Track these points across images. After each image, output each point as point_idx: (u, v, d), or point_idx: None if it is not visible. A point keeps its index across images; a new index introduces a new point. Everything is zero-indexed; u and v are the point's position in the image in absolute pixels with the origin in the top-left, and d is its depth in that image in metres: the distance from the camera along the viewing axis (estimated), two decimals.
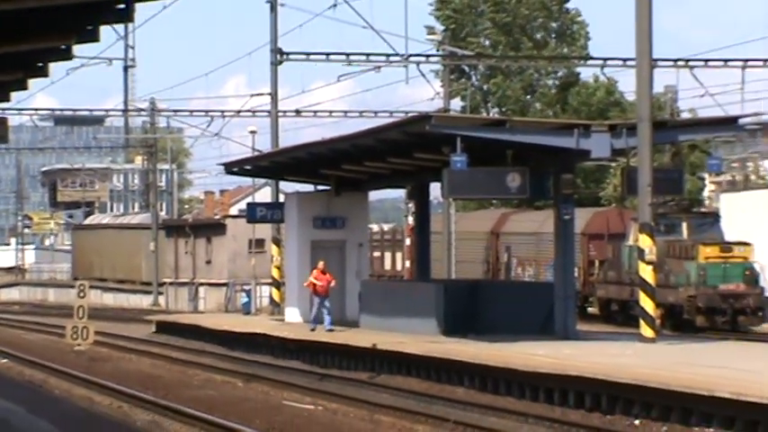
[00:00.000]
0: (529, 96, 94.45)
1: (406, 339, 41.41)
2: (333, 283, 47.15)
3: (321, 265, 48.05)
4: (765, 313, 51.81)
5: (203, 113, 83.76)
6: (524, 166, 40.23)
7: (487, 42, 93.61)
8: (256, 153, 66.83)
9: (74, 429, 23.21)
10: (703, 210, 67.92)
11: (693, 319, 49.46)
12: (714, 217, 60.18)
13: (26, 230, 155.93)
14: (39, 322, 71.92)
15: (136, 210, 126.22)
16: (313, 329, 46.27)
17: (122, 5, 18.46)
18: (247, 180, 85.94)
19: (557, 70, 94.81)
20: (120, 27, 72.24)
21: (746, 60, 61.81)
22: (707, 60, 62.51)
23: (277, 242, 61.57)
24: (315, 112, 77.86)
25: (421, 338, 41.65)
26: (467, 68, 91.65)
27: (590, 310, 57.84)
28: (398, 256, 77.74)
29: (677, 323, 48.51)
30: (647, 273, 41.69)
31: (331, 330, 46.21)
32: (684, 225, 52.75)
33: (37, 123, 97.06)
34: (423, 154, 43.79)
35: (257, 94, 70.92)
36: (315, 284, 46.94)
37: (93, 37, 20.15)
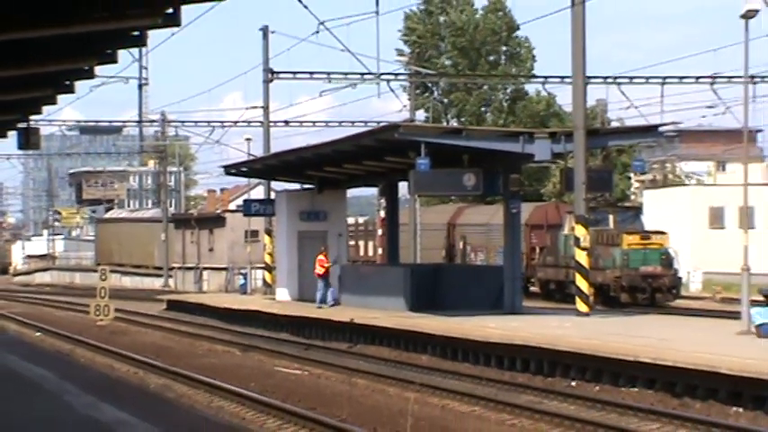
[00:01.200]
0: (483, 108, 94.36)
1: (379, 315, 41.43)
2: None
3: (322, 250, 48.45)
4: (678, 291, 52.30)
5: (206, 124, 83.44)
6: (478, 168, 40.26)
7: (448, 62, 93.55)
8: (251, 157, 66.69)
9: (97, 392, 23.20)
10: (627, 204, 68.16)
11: (619, 296, 49.72)
12: (636, 210, 60.82)
13: (56, 223, 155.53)
14: (67, 301, 71.74)
15: (149, 206, 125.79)
16: (320, 308, 46.32)
17: (137, 33, 18.51)
18: (243, 180, 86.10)
19: (506, 87, 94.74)
20: (134, 50, 72.28)
21: (665, 78, 61.99)
22: (632, 78, 62.65)
23: (269, 233, 61.55)
24: (301, 122, 77.74)
25: (391, 314, 41.68)
26: (430, 85, 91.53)
27: (532, 289, 57.90)
28: (371, 244, 77.76)
29: (605, 300, 48.66)
30: (582, 257, 41.86)
31: (335, 304, 46.72)
32: (611, 217, 53.03)
33: (65, 132, 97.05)
34: (392, 157, 43.83)
35: (252, 107, 70.70)
36: (325, 267, 47.38)
37: (112, 59, 20.22)
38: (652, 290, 50.30)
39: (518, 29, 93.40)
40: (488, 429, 22.93)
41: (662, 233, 53.80)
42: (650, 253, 51.39)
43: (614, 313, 43.81)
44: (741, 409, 24.00)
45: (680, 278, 53.22)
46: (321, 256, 47.68)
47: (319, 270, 47.45)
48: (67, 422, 18.49)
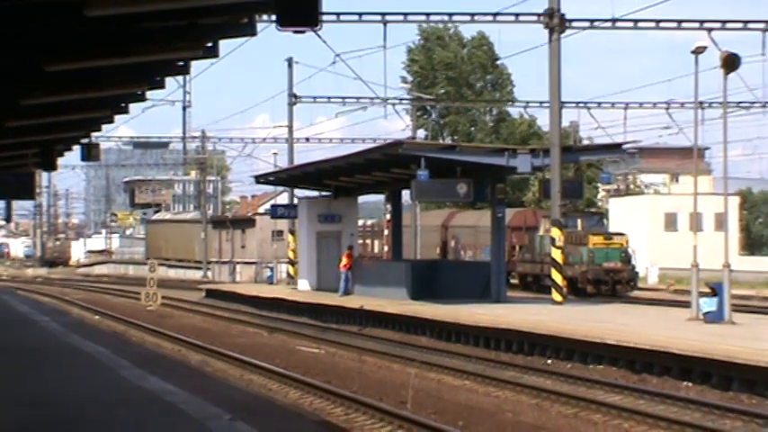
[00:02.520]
0: (472, 128, 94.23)
1: (385, 302, 41.42)
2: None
3: (348, 250, 48.88)
4: (635, 283, 52.48)
5: (239, 140, 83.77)
6: (469, 178, 40.25)
7: (442, 90, 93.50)
8: (277, 168, 66.71)
9: (146, 366, 23.21)
10: (593, 210, 68.33)
11: (585, 287, 49.85)
12: (600, 215, 61.67)
13: (113, 224, 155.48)
14: (121, 290, 71.81)
15: (191, 209, 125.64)
16: (342, 296, 46.34)
17: (182, 63, 18.54)
18: (271, 188, 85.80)
19: (492, 110, 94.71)
20: (179, 78, 72.26)
21: (627, 103, 61.98)
22: (599, 103, 62.54)
23: (292, 233, 61.61)
24: (319, 139, 77.84)
25: (395, 302, 41.67)
26: (428, 108, 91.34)
27: (512, 281, 57.84)
28: (378, 242, 77.76)
29: (574, 291, 48.66)
30: (557, 254, 41.84)
31: (348, 293, 46.61)
32: (579, 221, 53.18)
33: (120, 147, 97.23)
34: (397, 169, 43.82)
35: (278, 126, 70.95)
36: (349, 262, 47.69)
37: (161, 85, 20.25)
38: (613, 282, 50.62)
39: (498, 59, 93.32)
40: (477, 400, 22.94)
41: (622, 234, 54.26)
42: (612, 251, 51.67)
43: (583, 302, 43.84)
44: (690, 384, 24.01)
45: (637, 272, 53.54)
46: (346, 255, 48.06)
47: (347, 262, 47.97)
48: (123, 389, 18.52)
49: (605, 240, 52.40)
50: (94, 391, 18.40)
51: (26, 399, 17.35)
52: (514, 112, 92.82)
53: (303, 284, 54.13)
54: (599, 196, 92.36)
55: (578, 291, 49.00)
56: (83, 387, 19.07)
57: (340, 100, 62.85)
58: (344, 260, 48.26)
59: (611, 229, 61.47)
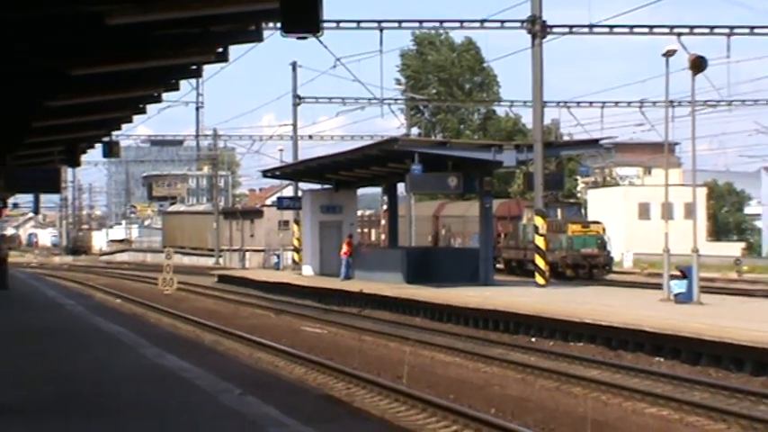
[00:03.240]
0: (462, 126, 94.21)
1: (382, 286, 41.46)
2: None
3: (349, 238, 49.19)
4: (610, 267, 52.63)
5: (248, 138, 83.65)
6: (459, 172, 40.28)
7: (434, 91, 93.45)
8: (283, 164, 66.73)
9: (163, 345, 23.24)
10: (572, 201, 68.31)
11: (565, 271, 49.89)
12: (578, 205, 61.72)
13: (132, 215, 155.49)
14: (140, 275, 71.83)
15: (204, 201, 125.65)
16: (343, 280, 46.42)
17: (195, 67, 18.56)
18: (277, 181, 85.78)
19: (479, 109, 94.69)
20: (192, 81, 72.19)
21: (604, 102, 62.10)
22: (578, 102, 62.70)
23: (297, 222, 61.60)
24: (321, 136, 78.04)
25: (392, 285, 41.70)
26: (421, 107, 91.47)
27: (498, 266, 57.91)
28: (375, 231, 77.80)
29: (555, 275, 48.68)
30: (540, 241, 41.92)
31: (349, 278, 46.73)
32: (559, 210, 53.21)
33: (139, 144, 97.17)
34: (393, 164, 43.86)
35: (283, 125, 71.07)
36: (349, 249, 47.95)
37: (176, 87, 20.29)
38: (590, 267, 50.73)
39: (484, 62, 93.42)
40: (467, 375, 22.97)
41: (598, 223, 54.44)
42: (589, 238, 51.80)
43: (564, 285, 43.88)
44: (662, 359, 24.07)
45: (612, 257, 53.78)
46: (346, 243, 48.23)
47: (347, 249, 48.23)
48: (142, 366, 18.55)
49: (583, 228, 52.54)
50: (116, 369, 18.43)
51: (53, 376, 17.38)
52: (500, 110, 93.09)
53: (307, 270, 54.21)
54: (578, 188, 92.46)
55: (558, 274, 49.06)
56: (106, 365, 19.10)
57: (340, 100, 62.98)
58: (345, 247, 48.38)
59: (589, 218, 61.63)
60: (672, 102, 41.02)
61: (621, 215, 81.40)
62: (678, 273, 32.40)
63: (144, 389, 15.85)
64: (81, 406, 14.19)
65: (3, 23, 12.14)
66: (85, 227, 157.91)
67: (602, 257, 51.51)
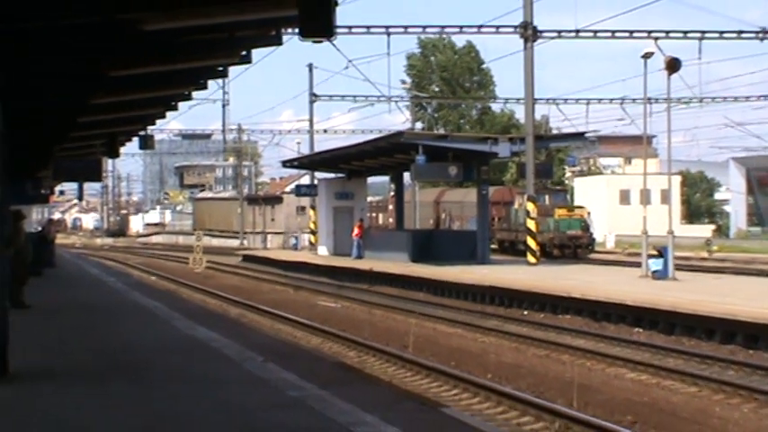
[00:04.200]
0: (461, 120, 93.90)
1: (390, 265, 41.54)
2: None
3: (360, 221, 49.53)
4: (593, 247, 52.61)
5: (269, 132, 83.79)
6: (459, 162, 40.30)
7: (437, 89, 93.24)
8: (301, 155, 66.70)
9: (193, 317, 23.29)
10: (558, 188, 68.21)
11: (552, 251, 49.77)
12: (564, 192, 61.75)
13: (165, 201, 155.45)
14: (173, 255, 71.99)
15: (229, 189, 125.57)
16: (354, 260, 46.46)
17: (221, 68, 18.54)
18: (295, 171, 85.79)
19: (477, 105, 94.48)
20: (219, 80, 72.12)
21: (589, 100, 62.05)
22: (566, 99, 62.55)
23: (313, 208, 61.61)
24: (335, 130, 77.93)
25: (398, 264, 41.79)
26: (425, 104, 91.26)
27: (492, 246, 57.90)
28: (383, 215, 77.78)
29: (543, 254, 48.56)
30: (531, 224, 41.92)
31: (360, 258, 46.87)
32: (547, 196, 53.06)
33: (171, 138, 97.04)
34: (399, 155, 43.85)
35: (301, 120, 71.14)
36: (360, 231, 48.22)
37: (204, 87, 20.25)
38: (575, 247, 50.71)
39: (482, 64, 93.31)
40: (466, 344, 23.01)
41: (582, 207, 54.60)
42: (574, 221, 51.82)
43: (552, 263, 43.85)
44: (641, 329, 24.10)
45: (594, 238, 53.87)
46: (357, 226, 48.44)
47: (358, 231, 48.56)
48: (176, 338, 18.57)
49: (568, 212, 52.58)
50: (152, 339, 18.47)
51: (96, 346, 17.41)
52: (496, 107, 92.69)
53: (322, 250, 54.28)
54: (566, 176, 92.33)
55: (547, 254, 49.00)
56: (143, 336, 19.14)
57: (351, 98, 62.88)
58: (356, 230, 48.46)
59: (576, 203, 61.64)
60: (650, 99, 40.87)
61: (605, 201, 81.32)
62: (655, 252, 32.42)
63: (177, 357, 15.88)
64: (121, 373, 14.22)
65: (53, 31, 12.15)
66: (124, 212, 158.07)
67: (585, 238, 51.52)
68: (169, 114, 25.71)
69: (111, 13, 11.63)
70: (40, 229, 46.16)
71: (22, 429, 10.05)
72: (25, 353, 14.81)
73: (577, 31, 45.08)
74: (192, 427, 10.35)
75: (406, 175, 52.64)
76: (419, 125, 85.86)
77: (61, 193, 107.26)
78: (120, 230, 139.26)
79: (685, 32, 45.76)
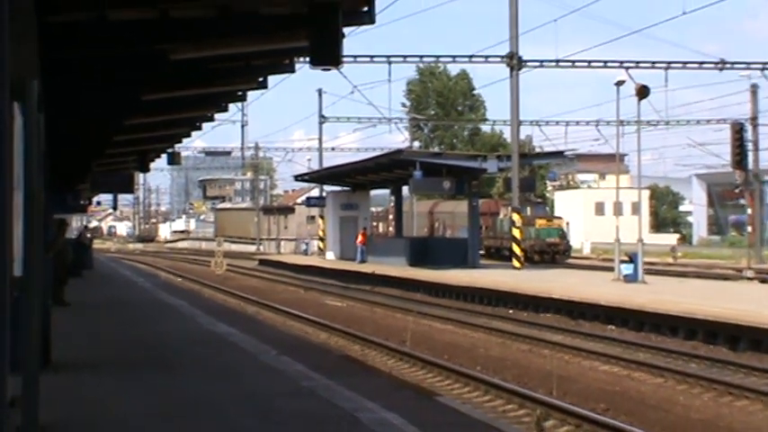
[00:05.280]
0: (454, 140, 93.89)
1: (390, 268, 41.51)
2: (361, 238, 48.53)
3: (363, 230, 49.56)
4: (569, 253, 52.62)
5: (282, 149, 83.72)
6: (452, 177, 40.30)
7: (432, 112, 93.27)
8: (311, 170, 66.74)
9: (214, 315, 23.32)
10: (539, 200, 68.08)
11: (533, 256, 49.72)
12: (544, 204, 61.85)
13: (190, 211, 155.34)
14: (197, 259, 71.95)
15: (247, 200, 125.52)
16: (358, 264, 46.49)
17: (240, 93, 18.57)
18: (306, 184, 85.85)
19: (469, 126, 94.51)
20: (239, 103, 72.21)
21: (567, 122, 62.38)
22: (547, 121, 62.74)
23: (321, 217, 61.53)
24: (341, 148, 78.46)
25: (398, 268, 41.76)
26: (422, 125, 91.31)
27: (480, 252, 57.93)
28: (384, 224, 77.77)
29: (525, 259, 48.49)
30: (516, 233, 41.93)
31: (363, 262, 46.86)
32: (528, 208, 52.99)
33: (195, 154, 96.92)
34: (398, 170, 43.87)
35: (311, 139, 71.29)
36: (364, 239, 48.27)
37: (225, 109, 20.28)
38: (553, 253, 50.72)
39: (474, 89, 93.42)
40: (458, 339, 23.02)
41: (559, 218, 54.76)
42: (552, 230, 51.88)
43: (534, 268, 43.78)
44: (613, 327, 24.08)
45: (570, 245, 54.04)
46: (361, 233, 48.50)
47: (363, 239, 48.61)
48: (198, 332, 18.61)
49: (547, 222, 52.61)
50: (178, 333, 18.50)
51: (128, 338, 17.45)
52: (486, 128, 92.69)
53: (330, 255, 54.26)
54: (548, 190, 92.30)
55: (528, 259, 48.99)
56: (169, 330, 19.17)
57: (356, 120, 62.97)
58: (360, 237, 48.47)
59: (556, 214, 61.62)
60: (622, 121, 40.88)
61: (582, 212, 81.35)
62: (626, 258, 32.43)
63: (199, 349, 15.92)
64: (151, 362, 14.26)
65: (96, 62, 12.23)
66: (153, 220, 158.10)
67: (562, 245, 51.57)
68: (194, 133, 25.75)
69: (148, 45, 11.72)
70: (77, 235, 46.17)
71: (66, 410, 10.10)
72: (65, 345, 14.86)
73: (558, 61, 45.19)
74: (214, 411, 10.40)
75: (405, 189, 52.65)
76: (416, 144, 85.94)
77: (98, 203, 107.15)
78: (150, 237, 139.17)
79: (653, 63, 45.87)
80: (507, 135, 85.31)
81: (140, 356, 15.01)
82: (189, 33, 11.39)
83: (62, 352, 13.87)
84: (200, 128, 23.70)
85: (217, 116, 22.08)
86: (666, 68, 45.67)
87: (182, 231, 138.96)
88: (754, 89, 52.83)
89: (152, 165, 31.14)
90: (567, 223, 53.50)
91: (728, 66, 46.26)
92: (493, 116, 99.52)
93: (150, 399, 11.14)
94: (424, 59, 51.01)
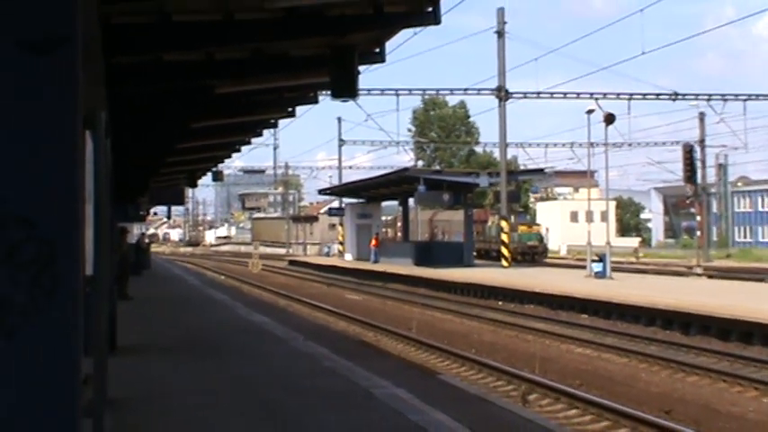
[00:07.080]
0: (453, 159, 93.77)
1: (398, 268, 41.48)
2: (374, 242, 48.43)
3: (376, 235, 49.47)
4: (546, 254, 52.36)
5: (308, 168, 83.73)
6: (451, 191, 40.30)
7: (435, 135, 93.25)
8: (332, 186, 66.74)
9: (252, 307, 23.33)
10: (521, 210, 67.96)
11: (516, 257, 49.45)
12: (525, 213, 61.82)
13: (231, 220, 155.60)
14: (237, 260, 72.01)
15: (279, 211, 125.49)
16: (372, 264, 46.41)
17: (272, 121, 18.61)
18: (328, 197, 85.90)
19: (465, 148, 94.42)
20: (271, 129, 72.28)
21: (547, 144, 62.91)
22: (530, 144, 63.27)
23: (341, 225, 61.54)
24: (358, 167, 78.31)
25: (405, 267, 41.73)
26: (425, 147, 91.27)
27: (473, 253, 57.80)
28: (392, 230, 77.70)
29: (511, 260, 48.50)
30: (504, 237, 41.82)
31: (376, 262, 46.68)
32: (513, 216, 52.76)
33: (236, 172, 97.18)
34: (405, 185, 43.82)
35: (332, 159, 71.23)
36: (377, 242, 48.17)
37: (260, 134, 20.33)
38: (533, 254, 50.52)
39: (469, 117, 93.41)
40: (456, 327, 22.97)
41: (538, 224, 54.77)
42: (532, 234, 51.81)
43: (519, 267, 43.67)
44: (586, 316, 24.01)
45: (547, 248, 54.01)
46: (374, 238, 48.48)
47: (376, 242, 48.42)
48: (238, 320, 18.62)
49: (528, 228, 52.51)
50: (220, 322, 18.51)
51: (179, 325, 17.47)
52: (479, 149, 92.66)
53: (348, 256, 54.22)
54: (531, 201, 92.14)
55: (513, 259, 48.96)
56: (213, 319, 19.19)
57: (370, 143, 63.10)
58: (373, 241, 48.39)
59: (536, 221, 61.47)
60: (592, 143, 40.93)
61: (559, 220, 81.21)
62: (597, 258, 32.35)
63: (240, 335, 15.93)
64: (201, 347, 14.27)
65: (151, 95, 12.29)
66: (200, 228, 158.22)
67: (540, 247, 51.48)
68: (234, 155, 25.82)
69: (196, 82, 11.77)
70: (136, 240, 46.30)
71: (132, 387, 10.12)
72: (129, 333, 14.88)
73: (539, 93, 45.31)
74: (256, 386, 10.41)
75: (411, 200, 52.63)
76: (420, 163, 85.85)
77: (155, 213, 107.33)
78: (197, 242, 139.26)
79: (618, 94, 45.91)
80: (497, 155, 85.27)
81: (192, 341, 15.03)
82: (231, 72, 11.44)
83: (125, 338, 13.89)
84: (239, 150, 23.74)
85: (253, 140, 22.13)
86: (629, 99, 45.66)
87: (224, 237, 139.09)
88: (702, 117, 53.02)
89: (199, 181, 31.21)
90: (547, 229, 53.34)
91: (680, 97, 46.32)
92: (485, 139, 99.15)
93: (205, 377, 11.17)
94: (427, 92, 51.15)
